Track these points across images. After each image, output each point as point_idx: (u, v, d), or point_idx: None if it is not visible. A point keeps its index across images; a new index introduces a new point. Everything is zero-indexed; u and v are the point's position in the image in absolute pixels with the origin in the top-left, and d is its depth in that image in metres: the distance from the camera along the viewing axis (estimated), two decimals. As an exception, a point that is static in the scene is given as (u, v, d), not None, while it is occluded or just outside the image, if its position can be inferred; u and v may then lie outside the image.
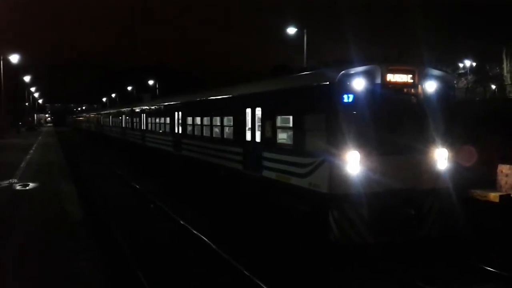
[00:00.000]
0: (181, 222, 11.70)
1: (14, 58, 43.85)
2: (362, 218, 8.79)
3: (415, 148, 9.19)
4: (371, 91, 8.85)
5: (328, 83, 8.89)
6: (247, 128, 12.43)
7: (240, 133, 12.76)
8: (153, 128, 23.40)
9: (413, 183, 9.07)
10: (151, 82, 78.42)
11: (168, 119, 20.40)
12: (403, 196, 8.96)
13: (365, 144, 8.76)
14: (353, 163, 8.66)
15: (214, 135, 14.91)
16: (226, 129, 14.00)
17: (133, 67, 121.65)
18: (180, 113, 18.66)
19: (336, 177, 8.68)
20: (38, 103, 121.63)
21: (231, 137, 13.47)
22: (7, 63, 44.85)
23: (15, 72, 58.00)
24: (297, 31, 29.82)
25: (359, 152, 8.69)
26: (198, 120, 16.36)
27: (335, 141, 8.71)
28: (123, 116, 32.96)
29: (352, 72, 8.80)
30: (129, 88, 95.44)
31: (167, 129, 20.46)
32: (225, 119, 14.07)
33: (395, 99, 9.03)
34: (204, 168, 15.64)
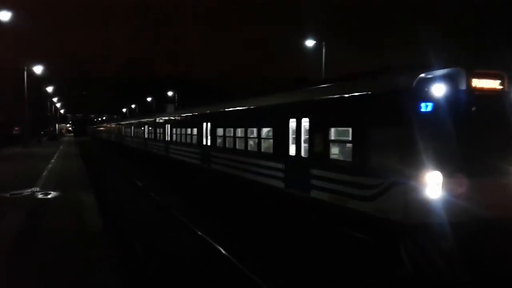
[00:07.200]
0: (212, 243, 10.33)
1: (38, 69, 44.24)
2: (443, 252, 7.22)
3: (510, 169, 7.60)
4: (453, 99, 7.38)
5: (402, 89, 7.44)
6: (290, 141, 11.03)
7: (281, 146, 11.37)
8: (178, 139, 22.23)
9: (507, 211, 7.46)
10: (170, 93, 78.41)
11: (195, 130, 19.17)
12: (494, 227, 7.35)
13: (448, 162, 7.24)
14: (433, 185, 7.15)
15: (249, 148, 13.56)
16: (264, 142, 12.63)
17: (153, 78, 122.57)
18: (209, 123, 17.40)
19: (411, 203, 7.18)
20: (60, 113, 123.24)
21: (270, 150, 12.08)
22: (30, 73, 45.16)
23: (38, 82, 58.53)
24: (315, 44, 28.77)
25: (441, 172, 7.17)
26: (230, 131, 15.03)
27: (410, 159, 7.22)
28: (146, 127, 32.05)
29: (431, 76, 7.35)
30: (149, 99, 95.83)
31: (194, 140, 19.23)
32: (263, 130, 12.70)
33: (482, 108, 7.52)
34: (237, 184, 14.27)
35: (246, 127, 13.75)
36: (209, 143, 17.29)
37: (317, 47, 28.85)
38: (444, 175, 7.17)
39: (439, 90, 7.30)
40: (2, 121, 54.18)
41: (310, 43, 28.85)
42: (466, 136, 7.39)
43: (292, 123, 10.91)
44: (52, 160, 29.23)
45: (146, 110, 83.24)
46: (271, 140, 12.11)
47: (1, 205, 13.04)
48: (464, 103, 7.42)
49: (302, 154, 10.46)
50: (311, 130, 10.04)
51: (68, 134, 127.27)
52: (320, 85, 10.92)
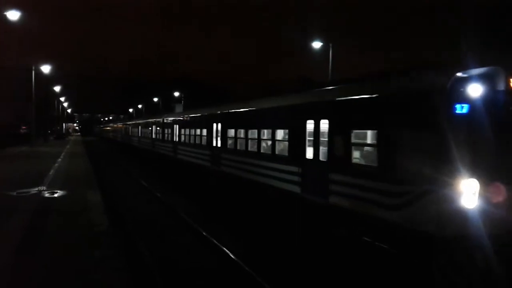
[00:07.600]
0: (226, 251, 9.80)
1: (46, 69, 44.22)
2: (480, 267, 6.65)
3: None
4: (491, 100, 6.81)
5: (435, 89, 6.88)
6: (307, 144, 10.50)
7: (297, 149, 10.84)
8: (187, 140, 21.75)
9: None
10: (176, 94, 78.13)
11: (205, 131, 18.69)
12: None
13: (485, 169, 6.68)
14: (469, 194, 6.58)
15: (262, 151, 13.03)
16: (279, 144, 12.10)
17: (159, 79, 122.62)
18: (219, 124, 16.90)
19: (445, 213, 6.61)
20: (67, 112, 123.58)
21: (286, 153, 11.54)
22: (38, 72, 45.10)
23: (45, 81, 58.53)
24: (322, 45, 28.20)
25: (478, 180, 6.60)
26: (242, 132, 14.52)
27: (443, 165, 6.66)
28: (153, 127, 31.64)
29: (467, 75, 6.79)
30: (155, 99, 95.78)
31: (204, 141, 18.74)
32: (278, 132, 12.18)
33: None
34: (249, 188, 13.74)
35: (259, 128, 13.23)
36: (219, 145, 16.79)
37: (324, 48, 28.26)
38: (481, 183, 6.61)
39: (475, 90, 6.75)
40: (9, 120, 54.20)
41: (317, 44, 28.32)
42: (505, 140, 6.82)
43: (310, 124, 10.38)
44: (59, 160, 29.09)
45: (153, 110, 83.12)
46: (286, 142, 11.58)
47: (8, 204, 12.93)
48: (502, 104, 6.86)
49: (321, 157, 9.92)
50: (331, 132, 9.50)
51: (75, 134, 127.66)
52: (341, 84, 10.38)
